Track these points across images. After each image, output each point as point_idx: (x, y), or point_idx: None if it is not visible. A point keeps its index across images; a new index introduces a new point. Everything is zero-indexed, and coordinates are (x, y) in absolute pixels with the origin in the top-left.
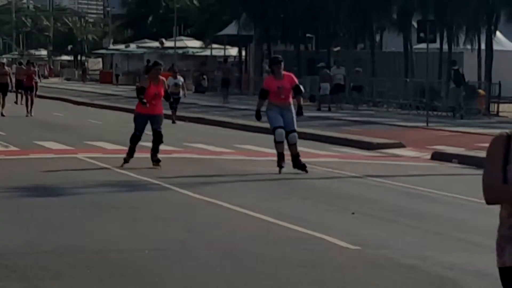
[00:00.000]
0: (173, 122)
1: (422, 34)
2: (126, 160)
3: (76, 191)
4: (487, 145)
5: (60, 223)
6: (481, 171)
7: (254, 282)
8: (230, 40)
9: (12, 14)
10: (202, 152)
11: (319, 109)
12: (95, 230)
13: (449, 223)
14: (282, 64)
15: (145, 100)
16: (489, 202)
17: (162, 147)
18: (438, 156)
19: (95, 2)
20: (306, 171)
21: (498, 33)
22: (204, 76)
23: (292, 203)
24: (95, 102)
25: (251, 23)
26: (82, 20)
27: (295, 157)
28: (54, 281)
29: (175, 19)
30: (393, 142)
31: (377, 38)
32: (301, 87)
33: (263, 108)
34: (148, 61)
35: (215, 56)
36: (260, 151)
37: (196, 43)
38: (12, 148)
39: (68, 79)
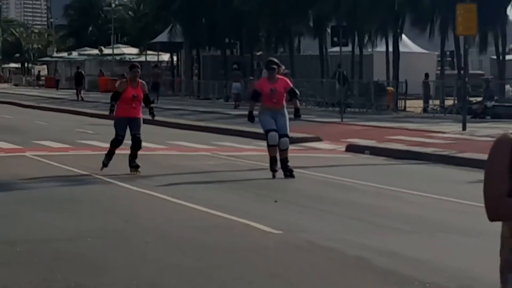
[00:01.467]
0: None
1: (335, 39)
2: (105, 164)
3: (25, 186)
4: (396, 137)
5: (9, 215)
6: (391, 161)
7: (187, 265)
8: (163, 47)
9: None
10: None
11: (236, 107)
12: (42, 222)
13: (364, 209)
14: (277, 68)
15: (114, 108)
16: (493, 219)
17: (100, 144)
18: (352, 148)
19: (39, 14)
20: (293, 176)
21: (404, 36)
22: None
23: (222, 193)
24: (41, 105)
25: (181, 31)
26: (28, 30)
27: (284, 161)
28: (1, 269)
29: (112, 28)
30: (311, 136)
31: (296, 42)
32: (296, 90)
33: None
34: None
35: (149, 62)
36: (191, 146)
37: (132, 50)
38: None
39: (16, 85)
